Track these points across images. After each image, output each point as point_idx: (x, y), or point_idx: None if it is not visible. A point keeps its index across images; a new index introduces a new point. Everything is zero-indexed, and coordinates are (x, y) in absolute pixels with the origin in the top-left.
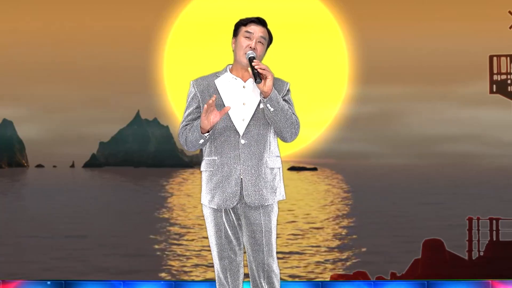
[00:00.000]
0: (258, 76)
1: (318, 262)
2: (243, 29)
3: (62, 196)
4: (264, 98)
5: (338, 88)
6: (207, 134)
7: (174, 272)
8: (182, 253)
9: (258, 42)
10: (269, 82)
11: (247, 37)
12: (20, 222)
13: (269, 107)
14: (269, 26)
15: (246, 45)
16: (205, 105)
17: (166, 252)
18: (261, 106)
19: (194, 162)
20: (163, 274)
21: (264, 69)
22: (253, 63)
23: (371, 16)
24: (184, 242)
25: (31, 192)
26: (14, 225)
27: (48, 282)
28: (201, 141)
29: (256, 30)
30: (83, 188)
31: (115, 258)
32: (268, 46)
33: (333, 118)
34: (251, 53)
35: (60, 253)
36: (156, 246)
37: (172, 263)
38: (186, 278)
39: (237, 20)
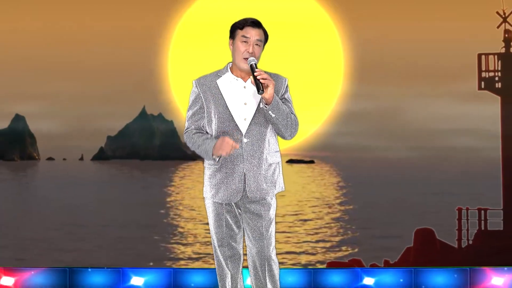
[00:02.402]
0: (260, 87)
1: (314, 250)
2: (240, 33)
3: (74, 187)
4: (266, 105)
5: (334, 85)
6: (218, 158)
7: (177, 258)
8: (187, 242)
9: (255, 45)
10: (270, 90)
11: (244, 41)
12: (45, 212)
13: (271, 114)
14: (267, 26)
15: (244, 50)
16: (225, 142)
17: (171, 240)
18: (261, 105)
19: (196, 156)
20: (168, 262)
21: (265, 79)
22: (255, 73)
23: (365, 16)
24: (188, 231)
25: (44, 183)
26: (41, 216)
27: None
28: (211, 161)
29: (252, 34)
30: (93, 179)
31: (126, 246)
32: (265, 44)
33: (329, 114)
34: (252, 60)
35: (98, 241)
36: (158, 236)
37: (176, 250)
38: (189, 265)
39: (236, 19)
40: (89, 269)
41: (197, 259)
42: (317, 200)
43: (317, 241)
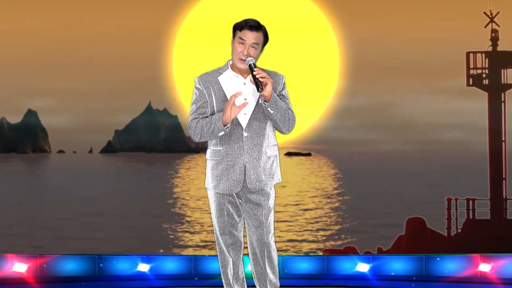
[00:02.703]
0: (259, 86)
1: (315, 238)
2: (238, 34)
3: (84, 179)
4: (265, 102)
5: (330, 82)
6: (227, 127)
7: (185, 246)
8: (194, 230)
9: (251, 47)
10: (269, 88)
11: (241, 43)
12: (58, 202)
13: (270, 110)
14: (266, 25)
15: (239, 51)
16: (232, 97)
17: (177, 229)
18: (260, 102)
19: (200, 148)
20: (175, 250)
21: (264, 78)
22: (254, 72)
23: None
24: (195, 220)
25: (56, 174)
26: (55, 205)
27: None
28: (221, 133)
29: (249, 36)
30: (102, 171)
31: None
32: (264, 45)
33: (325, 109)
34: (250, 60)
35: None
36: (167, 224)
37: (185, 238)
38: (192, 252)
39: (237, 19)
40: (98, 256)
41: (204, 247)
42: (316, 190)
43: (317, 230)
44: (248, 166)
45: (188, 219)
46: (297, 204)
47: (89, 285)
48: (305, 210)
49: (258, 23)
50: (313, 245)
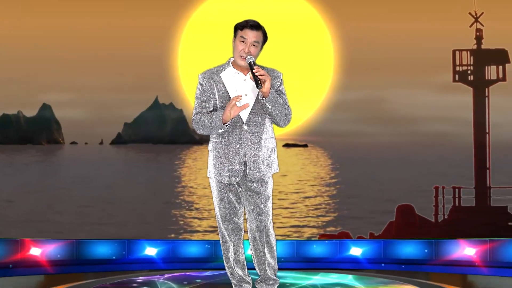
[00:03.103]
0: (258, 83)
1: (316, 223)
2: (240, 33)
3: (96, 168)
4: (263, 98)
5: (325, 77)
6: (226, 125)
7: (194, 231)
8: (202, 216)
9: (252, 45)
10: (267, 85)
11: (242, 41)
12: (73, 191)
13: (268, 106)
14: (266, 25)
15: (241, 49)
16: (232, 101)
17: (185, 215)
18: (259, 97)
19: (203, 140)
20: (172, 235)
21: (263, 75)
22: (253, 70)
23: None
24: (203, 207)
25: (70, 164)
26: (70, 193)
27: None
28: (221, 130)
29: (249, 35)
30: (112, 161)
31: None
32: (263, 44)
33: (320, 103)
34: (250, 58)
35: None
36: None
37: (194, 224)
38: (194, 237)
39: (238, 19)
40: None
41: (212, 232)
42: (315, 179)
43: (317, 216)
44: (248, 157)
45: (197, 206)
46: (297, 192)
47: (95, 268)
48: (306, 197)
49: (258, 23)
50: (315, 230)
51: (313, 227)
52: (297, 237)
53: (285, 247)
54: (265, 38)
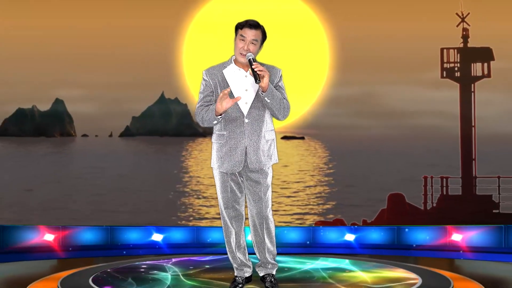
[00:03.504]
0: (257, 78)
1: (317, 211)
2: (239, 32)
3: (107, 159)
4: (262, 92)
5: (321, 74)
6: (220, 117)
7: (203, 218)
8: (210, 204)
9: (251, 43)
10: (266, 80)
11: (241, 39)
12: (87, 180)
13: (267, 100)
14: (266, 25)
15: (240, 47)
16: (220, 94)
17: (195, 202)
18: (259, 91)
19: (207, 133)
20: (183, 222)
21: (261, 71)
22: (253, 66)
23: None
24: (210, 195)
25: (82, 155)
26: (85, 183)
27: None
28: (215, 122)
29: (249, 34)
30: (121, 153)
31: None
32: (262, 42)
33: (317, 98)
34: (250, 55)
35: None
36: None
37: (202, 211)
38: (198, 224)
39: (239, 19)
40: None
41: (219, 219)
42: (314, 170)
43: (318, 204)
44: (248, 149)
45: (204, 194)
46: (298, 182)
47: (105, 253)
48: (307, 186)
49: (257, 22)
50: (316, 217)
51: (318, 214)
52: (300, 224)
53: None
54: (264, 36)
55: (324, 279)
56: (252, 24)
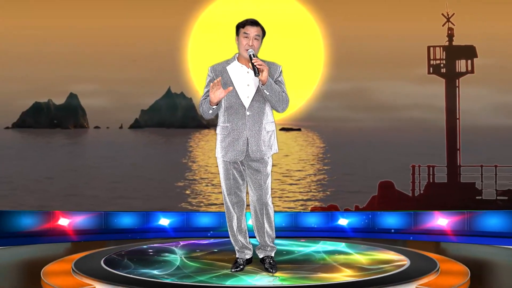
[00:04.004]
0: (256, 71)
1: (317, 197)
2: (242, 30)
3: (118, 149)
4: (262, 85)
5: (316, 69)
6: (215, 106)
7: (211, 204)
8: (219, 191)
9: (254, 39)
10: (265, 73)
11: (245, 37)
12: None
13: (266, 92)
14: (266, 25)
15: (245, 43)
16: (211, 84)
17: (204, 190)
18: (259, 85)
19: (210, 125)
20: (184, 205)
21: (260, 65)
22: (252, 60)
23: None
24: (218, 182)
25: (95, 146)
26: (99, 171)
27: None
28: (210, 111)
29: (251, 30)
30: (131, 143)
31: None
32: (263, 37)
33: (312, 92)
34: (251, 51)
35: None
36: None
37: (212, 197)
38: (203, 209)
39: (240, 19)
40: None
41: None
42: (303, 159)
43: (318, 191)
44: (250, 139)
45: (213, 182)
46: (299, 171)
47: (115, 236)
48: (308, 175)
49: (257, 20)
50: (317, 203)
51: (319, 200)
52: (303, 209)
53: (282, 218)
54: (263, 32)
55: (324, 260)
56: (253, 22)
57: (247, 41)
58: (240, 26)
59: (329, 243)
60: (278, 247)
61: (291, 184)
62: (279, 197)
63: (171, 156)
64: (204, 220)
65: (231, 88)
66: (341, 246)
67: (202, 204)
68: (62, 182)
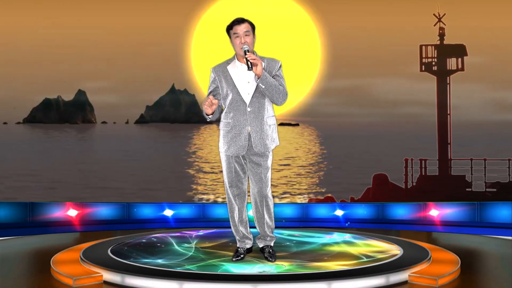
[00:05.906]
0: (250, 66)
1: (317, 190)
2: (231, 31)
3: (124, 143)
4: (257, 79)
5: (313, 67)
6: (208, 116)
7: (199, 195)
8: (206, 183)
9: (245, 36)
10: (259, 68)
11: (236, 37)
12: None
13: (261, 85)
14: (265, 25)
15: (238, 42)
16: (206, 102)
17: (195, 181)
18: (255, 78)
19: (213, 120)
20: (191, 195)
21: (254, 59)
22: (246, 55)
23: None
24: (207, 176)
25: (102, 140)
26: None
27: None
28: (208, 119)
29: (239, 29)
30: (137, 138)
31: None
32: (254, 31)
33: (310, 89)
34: (246, 47)
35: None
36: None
37: (198, 188)
38: (205, 201)
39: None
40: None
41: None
42: (301, 153)
43: (315, 184)
44: (252, 134)
45: (217, 176)
46: (301, 165)
47: (122, 227)
48: (291, 166)
49: (242, 17)
50: (311, 195)
51: (320, 192)
52: (302, 201)
53: (283, 209)
54: (253, 26)
55: (320, 249)
56: (239, 20)
57: (239, 39)
58: (229, 28)
59: (324, 233)
60: (298, 239)
61: (288, 177)
62: (279, 188)
63: (177, 149)
64: (219, 211)
65: (217, 100)
66: (335, 235)
67: (212, 195)
68: (76, 174)
